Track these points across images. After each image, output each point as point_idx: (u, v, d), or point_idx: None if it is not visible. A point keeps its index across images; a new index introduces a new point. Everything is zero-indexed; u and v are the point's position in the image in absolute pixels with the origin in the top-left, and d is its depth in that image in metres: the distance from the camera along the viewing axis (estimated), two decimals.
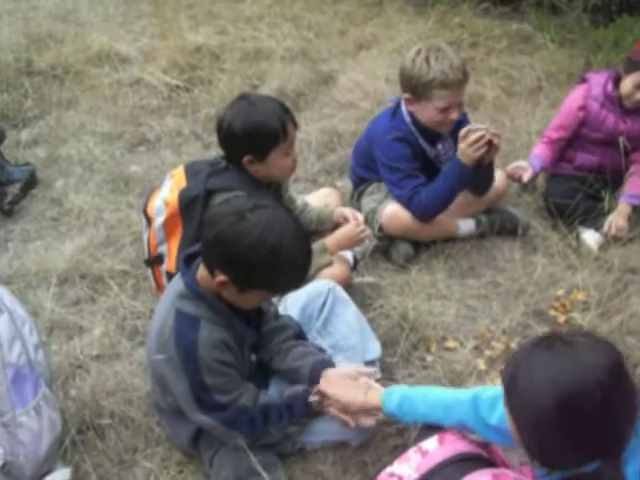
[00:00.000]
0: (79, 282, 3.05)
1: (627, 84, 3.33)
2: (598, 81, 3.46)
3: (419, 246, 3.28)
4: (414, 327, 2.75)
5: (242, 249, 1.91)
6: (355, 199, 3.42)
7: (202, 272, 2.06)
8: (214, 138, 4.09)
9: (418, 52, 3.03)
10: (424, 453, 1.82)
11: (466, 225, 3.34)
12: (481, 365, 2.61)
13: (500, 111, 4.38)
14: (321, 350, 2.41)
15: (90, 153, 4.01)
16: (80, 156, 3.97)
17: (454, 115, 3.05)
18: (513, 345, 2.69)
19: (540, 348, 1.56)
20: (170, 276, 2.70)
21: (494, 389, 1.89)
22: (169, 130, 4.27)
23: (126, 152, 4.10)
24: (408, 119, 3.15)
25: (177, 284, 2.12)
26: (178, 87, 4.68)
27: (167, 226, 2.72)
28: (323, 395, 2.17)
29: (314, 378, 2.23)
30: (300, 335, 2.43)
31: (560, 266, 3.12)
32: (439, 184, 3.11)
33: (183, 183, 2.70)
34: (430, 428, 1.95)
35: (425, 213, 3.14)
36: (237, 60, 4.99)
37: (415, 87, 3.02)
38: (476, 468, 1.75)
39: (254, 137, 2.53)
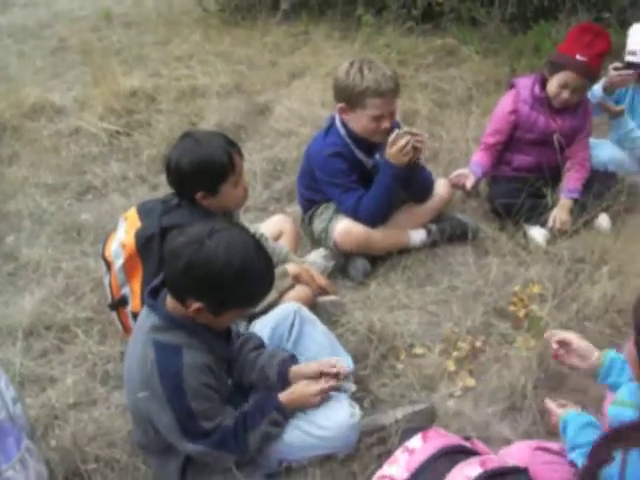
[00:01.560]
0: (44, 333, 3.04)
1: (553, 85, 3.48)
2: (525, 85, 3.60)
3: (375, 260, 3.36)
4: (382, 338, 2.82)
5: (212, 274, 1.98)
6: (307, 224, 3.49)
7: (171, 303, 2.11)
8: (160, 179, 4.19)
9: (351, 64, 3.16)
10: (411, 452, 1.88)
11: (417, 235, 3.43)
12: (450, 366, 2.69)
13: (435, 124, 4.51)
14: (283, 350, 2.46)
15: (38, 206, 4.00)
16: (28, 210, 3.96)
17: (387, 124, 3.16)
18: (478, 344, 2.79)
19: None
20: (136, 316, 2.70)
21: None
22: (114, 175, 4.28)
23: (74, 201, 4.10)
24: (342, 131, 3.26)
25: (147, 319, 2.15)
26: (118, 132, 4.71)
27: (127, 268, 2.73)
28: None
29: (283, 379, 2.34)
30: (262, 345, 2.49)
31: (512, 264, 3.23)
32: (377, 189, 3.24)
33: (137, 224, 2.72)
34: (411, 429, 2.02)
35: (371, 219, 3.26)
36: (173, 100, 5.04)
37: (349, 96, 3.13)
38: (463, 458, 1.82)
39: (203, 173, 2.58)
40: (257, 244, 2.12)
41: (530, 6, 5.78)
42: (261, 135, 4.62)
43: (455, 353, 2.76)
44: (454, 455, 1.86)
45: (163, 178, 3.82)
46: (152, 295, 2.18)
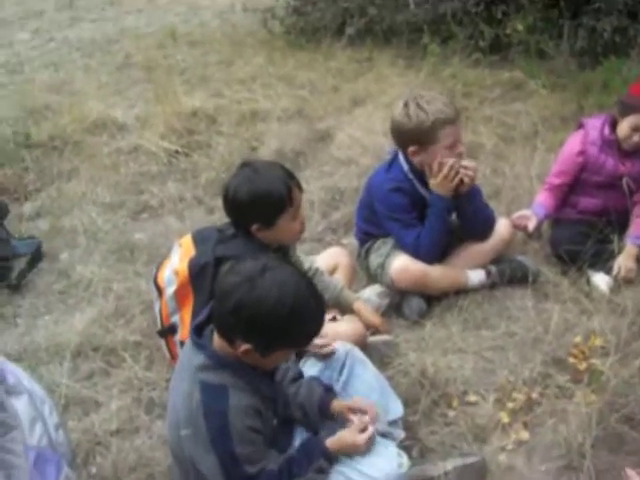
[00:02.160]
0: (92, 355, 3.04)
1: (624, 127, 3.36)
2: (595, 125, 3.49)
3: (431, 300, 3.27)
4: (434, 383, 2.73)
5: (263, 315, 1.93)
6: (363, 257, 3.42)
7: (218, 341, 2.06)
8: (217, 202, 4.17)
9: (406, 104, 3.09)
10: None
11: (476, 276, 3.33)
12: (504, 418, 2.59)
13: (499, 159, 4.41)
14: (319, 382, 2.39)
15: (93, 223, 4.02)
16: (84, 226, 3.99)
17: (461, 148, 3.12)
18: (534, 395, 2.67)
19: None
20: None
21: None
22: (171, 196, 4.29)
23: (129, 220, 4.12)
24: (406, 167, 3.20)
25: (194, 357, 2.09)
26: (177, 152, 4.73)
27: (178, 296, 2.71)
28: None
29: (325, 415, 2.29)
30: (301, 375, 2.44)
31: (574, 312, 3.10)
32: (429, 224, 3.20)
33: (192, 251, 2.70)
34: None
35: (430, 255, 3.21)
36: (234, 123, 5.04)
37: (419, 136, 3.06)
38: None
39: (261, 205, 2.54)
40: (309, 283, 2.07)
41: (600, 40, 5.64)
42: (320, 163, 4.58)
43: (510, 404, 2.65)
44: None
45: (220, 202, 3.81)
46: (197, 332, 2.13)
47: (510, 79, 5.39)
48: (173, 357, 2.81)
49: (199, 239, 2.75)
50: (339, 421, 2.29)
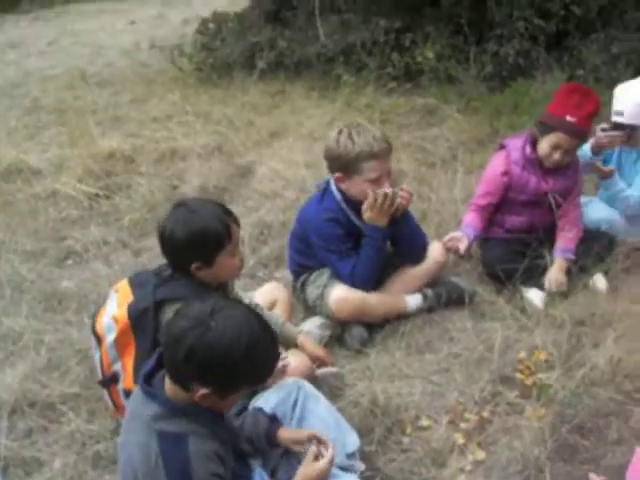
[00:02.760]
0: (29, 412, 2.88)
1: (544, 146, 3.47)
2: (516, 145, 3.59)
3: (372, 327, 3.26)
4: (385, 411, 2.71)
5: (219, 358, 1.87)
6: (299, 290, 3.40)
7: (171, 388, 1.98)
8: (143, 244, 4.10)
9: (340, 132, 3.12)
10: None
11: (414, 300, 3.35)
12: (459, 439, 2.59)
13: (422, 184, 4.48)
14: (262, 413, 2.36)
15: (16, 273, 3.85)
16: (7, 276, 3.81)
17: (386, 184, 3.12)
18: (486, 414, 2.69)
19: None
20: (128, 394, 2.58)
21: None
22: (95, 240, 4.16)
23: (54, 268, 3.97)
24: (339, 197, 3.21)
25: (146, 407, 2.00)
26: (97, 195, 4.62)
27: (119, 343, 2.61)
28: None
29: (272, 444, 2.28)
30: (245, 407, 2.41)
31: (513, 329, 3.16)
32: (365, 254, 3.20)
33: (130, 297, 2.62)
34: None
35: (365, 286, 3.22)
36: (153, 162, 4.98)
37: (344, 164, 3.09)
38: None
39: (199, 244, 2.49)
40: (260, 319, 2.02)
41: (505, 64, 5.87)
42: (245, 198, 4.55)
43: (463, 425, 2.66)
44: None
45: (146, 243, 3.75)
46: (147, 380, 2.06)
47: (424, 105, 5.52)
48: (117, 407, 2.71)
49: (136, 283, 2.67)
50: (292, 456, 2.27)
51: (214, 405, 1.98)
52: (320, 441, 2.25)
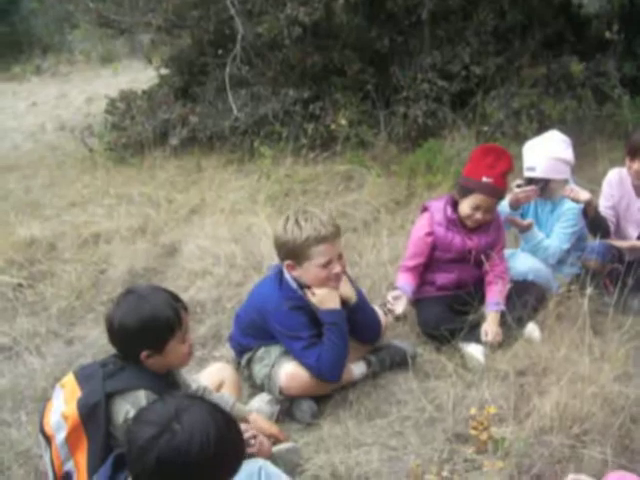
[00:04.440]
0: None
1: (464, 207, 3.62)
2: (438, 207, 3.73)
3: (320, 399, 3.26)
4: None
5: (191, 460, 1.82)
6: (244, 367, 3.38)
7: None
8: (74, 332, 4.02)
9: (287, 219, 3.13)
10: None
11: (358, 368, 3.39)
12: None
13: (348, 249, 4.51)
14: None
15: None
16: None
17: (337, 268, 3.13)
18: (445, 474, 2.73)
19: None
20: None
21: None
22: (24, 332, 4.02)
23: None
24: (294, 284, 3.20)
25: None
26: (20, 285, 4.50)
27: (70, 441, 2.52)
28: None
29: None
30: None
31: (459, 385, 3.22)
32: (328, 340, 3.15)
33: (77, 392, 2.55)
34: None
35: (332, 373, 3.18)
36: (76, 247, 4.90)
37: (293, 251, 3.09)
38: None
39: (150, 331, 2.48)
40: (223, 413, 1.99)
41: (415, 126, 6.09)
42: (174, 277, 4.52)
43: None
44: None
45: (78, 331, 3.68)
46: None
47: (342, 171, 5.65)
48: None
49: (83, 377, 2.61)
50: None
51: None
52: None
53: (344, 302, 3.22)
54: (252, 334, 3.33)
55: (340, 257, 3.18)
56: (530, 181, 3.82)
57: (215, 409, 1.99)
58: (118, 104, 7.13)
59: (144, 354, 2.50)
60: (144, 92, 7.36)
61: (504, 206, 3.86)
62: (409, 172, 5.53)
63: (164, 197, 5.67)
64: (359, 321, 3.31)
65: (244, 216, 5.11)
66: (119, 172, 6.30)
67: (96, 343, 3.84)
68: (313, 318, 3.20)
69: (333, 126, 5.88)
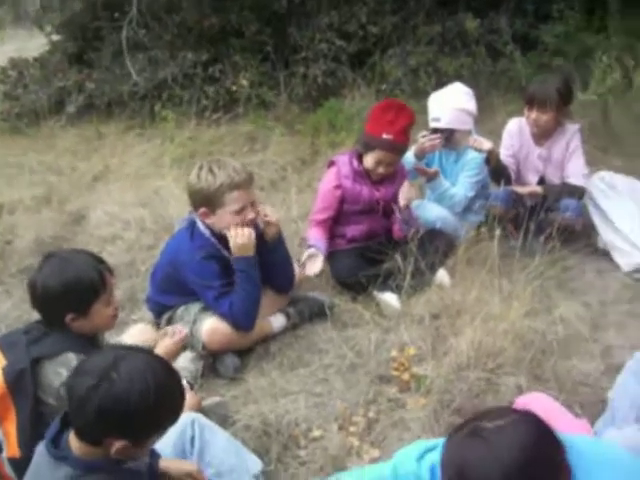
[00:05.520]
0: None
1: (368, 161, 3.73)
2: (344, 161, 3.81)
3: (242, 353, 3.32)
4: (278, 430, 2.79)
5: (132, 409, 1.84)
6: (164, 327, 3.37)
7: (81, 447, 1.92)
8: None
9: (200, 167, 3.17)
10: None
11: (278, 321, 3.46)
12: (354, 442, 2.72)
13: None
14: None
15: None
16: None
17: (251, 215, 3.19)
18: (372, 414, 2.85)
19: (470, 441, 1.65)
20: (14, 462, 2.48)
21: (404, 456, 2.04)
22: None
23: None
24: (207, 233, 3.24)
25: (54, 471, 1.92)
26: None
27: None
28: None
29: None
30: None
31: (377, 331, 3.34)
32: (239, 287, 3.21)
33: (1, 360, 2.51)
34: None
35: (246, 320, 3.24)
36: None
37: (207, 198, 3.13)
38: None
39: (74, 294, 2.45)
40: (160, 360, 2.03)
41: (314, 86, 6.14)
42: (84, 244, 4.40)
43: (352, 428, 2.79)
44: None
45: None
46: (53, 444, 1.97)
47: (246, 132, 5.65)
48: (2, 477, 2.59)
49: (6, 345, 2.55)
50: None
51: (130, 455, 1.95)
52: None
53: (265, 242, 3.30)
54: (168, 290, 3.35)
55: (254, 204, 3.24)
56: (435, 131, 3.95)
57: (153, 358, 2.02)
58: (10, 72, 6.86)
59: (69, 317, 2.47)
60: (36, 60, 7.10)
61: (409, 157, 3.98)
62: (312, 131, 5.59)
63: (66, 166, 5.53)
64: (277, 262, 3.39)
65: (150, 180, 5.05)
66: (15, 143, 6.09)
67: (9, 315, 3.78)
68: (226, 266, 3.24)
69: (234, 87, 5.86)
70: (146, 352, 2.07)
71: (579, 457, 1.71)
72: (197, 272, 3.21)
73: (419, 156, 4.01)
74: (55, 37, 7.26)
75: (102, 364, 1.88)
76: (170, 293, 3.35)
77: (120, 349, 2.05)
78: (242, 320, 3.21)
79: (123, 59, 6.20)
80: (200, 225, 3.26)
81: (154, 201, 4.67)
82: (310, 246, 3.74)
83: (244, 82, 5.80)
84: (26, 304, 3.77)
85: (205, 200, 3.15)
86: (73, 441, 1.94)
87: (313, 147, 5.43)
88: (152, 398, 1.86)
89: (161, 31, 6.31)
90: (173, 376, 2.01)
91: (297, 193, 4.73)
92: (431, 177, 4.02)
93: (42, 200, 4.92)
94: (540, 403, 2.19)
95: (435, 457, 1.84)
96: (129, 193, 4.89)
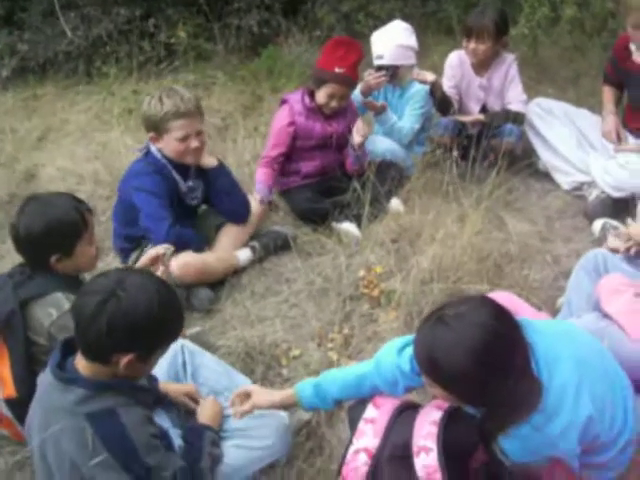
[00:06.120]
0: None
1: (320, 96, 3.86)
2: (296, 99, 3.95)
3: (214, 286, 3.45)
4: (261, 351, 2.95)
5: (140, 322, 1.96)
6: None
7: (88, 367, 2.03)
8: None
9: (153, 96, 3.32)
10: (372, 421, 2.07)
11: (244, 254, 3.59)
12: (333, 357, 2.90)
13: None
14: None
15: None
16: None
17: (196, 143, 3.32)
18: (346, 331, 3.03)
19: (435, 328, 1.88)
20: (10, 403, 2.56)
21: (385, 351, 2.23)
22: None
23: None
24: (159, 155, 3.37)
25: (64, 395, 2.02)
26: None
27: None
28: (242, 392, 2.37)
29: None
30: None
31: (341, 257, 3.50)
32: None
33: None
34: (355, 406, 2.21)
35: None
36: None
37: (154, 124, 3.28)
38: (417, 410, 2.05)
39: (57, 234, 2.52)
40: (158, 278, 2.15)
41: (249, 36, 6.20)
42: None
43: (330, 344, 2.97)
44: (409, 410, 2.09)
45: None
46: (60, 368, 2.06)
47: (188, 82, 5.67)
48: (0, 419, 2.67)
49: None
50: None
51: (136, 371, 2.07)
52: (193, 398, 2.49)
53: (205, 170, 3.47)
54: (133, 219, 3.40)
55: (199, 134, 3.36)
56: (379, 68, 4.10)
57: (153, 275, 2.14)
58: None
59: (54, 258, 2.54)
60: None
61: (356, 95, 4.13)
62: (252, 79, 5.66)
63: (6, 128, 5.44)
64: (223, 187, 3.54)
65: (97, 134, 5.06)
66: None
67: None
68: (172, 188, 3.41)
69: (173, 39, 5.86)
70: (145, 271, 2.19)
71: (537, 334, 1.94)
72: (142, 182, 3.34)
73: (365, 93, 4.16)
74: None
75: (108, 283, 1.99)
76: (135, 223, 3.40)
77: (122, 270, 2.15)
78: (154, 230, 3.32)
79: (54, 18, 6.10)
80: (153, 148, 3.38)
81: (105, 154, 4.69)
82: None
83: (182, 34, 5.81)
84: None
85: (153, 125, 3.30)
86: (80, 364, 2.05)
87: (255, 94, 5.50)
88: (157, 311, 1.98)
89: None
90: (173, 291, 2.13)
91: (245, 138, 4.81)
92: (379, 111, 4.18)
93: None
94: (505, 298, 2.39)
95: None
96: (78, 148, 4.91)
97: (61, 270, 2.59)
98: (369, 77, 4.07)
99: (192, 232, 3.45)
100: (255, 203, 3.75)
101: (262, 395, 2.34)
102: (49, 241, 2.52)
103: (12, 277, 2.62)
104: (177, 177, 3.41)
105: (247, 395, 2.35)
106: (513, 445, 1.84)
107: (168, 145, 3.32)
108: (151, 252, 2.85)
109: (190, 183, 3.47)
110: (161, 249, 2.83)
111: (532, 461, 1.85)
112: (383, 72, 4.07)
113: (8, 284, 2.58)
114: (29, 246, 2.57)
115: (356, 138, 3.84)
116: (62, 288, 2.55)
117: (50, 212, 2.53)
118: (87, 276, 2.79)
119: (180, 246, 3.25)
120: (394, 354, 2.19)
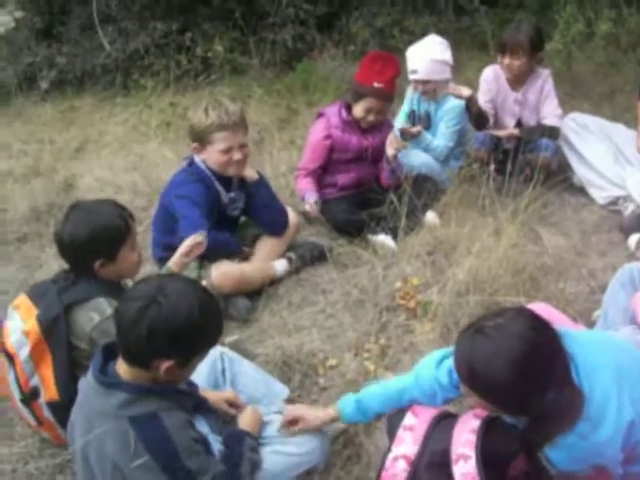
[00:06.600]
0: None
1: (358, 110, 3.91)
2: (333, 112, 4.01)
3: (251, 296, 3.49)
4: (298, 360, 2.97)
5: (181, 328, 1.99)
6: None
7: (129, 372, 2.07)
8: None
9: (200, 106, 3.38)
10: (411, 428, 2.08)
11: (280, 265, 3.63)
12: (370, 367, 2.92)
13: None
14: None
15: None
16: None
17: (238, 155, 3.37)
18: (383, 342, 3.04)
19: (474, 339, 1.91)
20: (53, 406, 2.60)
21: (424, 364, 2.26)
22: None
23: None
24: (203, 165, 3.43)
25: (107, 399, 2.05)
26: None
27: (34, 356, 2.58)
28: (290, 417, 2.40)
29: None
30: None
31: (377, 269, 3.52)
32: None
33: (33, 309, 2.59)
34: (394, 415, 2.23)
35: None
36: None
37: (198, 135, 3.35)
38: (456, 419, 2.07)
39: (101, 240, 2.56)
40: (198, 285, 2.19)
41: (284, 50, 6.28)
42: None
43: (366, 354, 2.99)
44: (447, 418, 2.10)
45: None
46: (102, 373, 2.10)
47: (226, 95, 5.70)
48: (41, 422, 2.69)
49: (36, 295, 2.66)
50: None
51: (175, 377, 2.10)
52: (233, 404, 2.51)
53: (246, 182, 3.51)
54: (172, 227, 3.42)
55: (242, 146, 3.41)
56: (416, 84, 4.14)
57: (193, 281, 2.18)
58: None
59: (97, 264, 2.57)
60: (1, 37, 7.09)
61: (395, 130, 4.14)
62: (288, 93, 5.74)
63: (45, 139, 5.57)
64: (262, 199, 3.57)
65: (135, 146, 5.16)
66: None
67: (15, 279, 3.87)
68: (214, 197, 3.45)
69: (209, 53, 5.95)
70: (184, 278, 2.22)
71: (576, 344, 1.95)
72: (183, 188, 3.39)
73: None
74: (19, 14, 7.24)
75: (148, 289, 2.02)
76: (173, 231, 3.41)
77: (162, 276, 2.19)
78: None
79: (92, 32, 6.24)
80: (197, 159, 3.45)
81: (143, 165, 4.78)
82: (304, 198, 3.96)
83: (219, 48, 5.90)
84: (28, 269, 3.92)
85: (197, 136, 3.36)
86: (121, 368, 2.08)
87: (290, 108, 5.57)
88: (197, 317, 2.01)
89: (129, 2, 6.36)
90: (213, 297, 2.16)
91: (281, 150, 4.88)
92: (415, 136, 4.17)
93: (30, 171, 4.98)
94: (542, 309, 2.40)
95: (452, 362, 2.06)
96: (116, 159, 5.00)
97: (104, 276, 2.64)
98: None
99: (228, 235, 3.48)
100: (294, 214, 3.79)
101: (311, 420, 2.39)
102: (93, 247, 2.57)
103: (56, 283, 2.67)
104: (220, 188, 3.46)
105: (295, 421, 2.40)
106: (559, 454, 1.86)
107: (211, 156, 3.37)
108: (187, 242, 2.93)
109: (232, 194, 3.52)
110: (199, 237, 2.91)
111: (577, 470, 1.86)
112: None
113: (52, 290, 2.63)
114: (73, 252, 2.61)
115: (389, 151, 3.88)
116: (104, 293, 2.59)
117: (94, 219, 2.58)
118: (129, 282, 2.85)
119: (217, 250, 3.33)
120: (433, 367, 2.23)
